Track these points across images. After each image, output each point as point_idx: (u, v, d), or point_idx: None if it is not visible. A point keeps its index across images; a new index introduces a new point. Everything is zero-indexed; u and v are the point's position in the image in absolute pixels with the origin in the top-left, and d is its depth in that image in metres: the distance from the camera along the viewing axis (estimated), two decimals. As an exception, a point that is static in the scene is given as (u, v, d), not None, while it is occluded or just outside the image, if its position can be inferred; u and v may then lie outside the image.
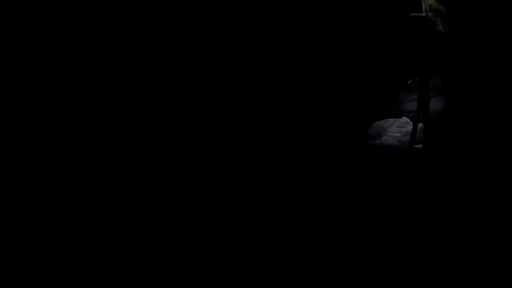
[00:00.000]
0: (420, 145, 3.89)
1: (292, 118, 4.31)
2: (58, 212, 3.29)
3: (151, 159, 3.88)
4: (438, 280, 2.81)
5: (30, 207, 3.32)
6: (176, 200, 3.41)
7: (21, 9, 3.94)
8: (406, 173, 3.67)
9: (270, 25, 4.40)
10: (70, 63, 4.06)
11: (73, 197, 3.42)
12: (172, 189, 3.55)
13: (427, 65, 3.86)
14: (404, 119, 4.14)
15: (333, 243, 3.10)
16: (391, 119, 4.16)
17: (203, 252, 3.01)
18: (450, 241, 3.04)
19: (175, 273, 2.88)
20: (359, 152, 4.01)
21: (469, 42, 3.64)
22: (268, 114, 4.29)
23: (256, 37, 4.38)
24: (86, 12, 4.09)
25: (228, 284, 2.82)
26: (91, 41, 4.10)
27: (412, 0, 3.86)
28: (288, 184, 3.62)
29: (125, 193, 3.46)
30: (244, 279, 2.83)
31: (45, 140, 3.84)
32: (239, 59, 4.37)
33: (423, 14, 3.80)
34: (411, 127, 3.95)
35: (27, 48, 3.96)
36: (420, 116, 3.90)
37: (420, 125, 3.90)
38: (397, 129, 4.08)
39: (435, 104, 3.91)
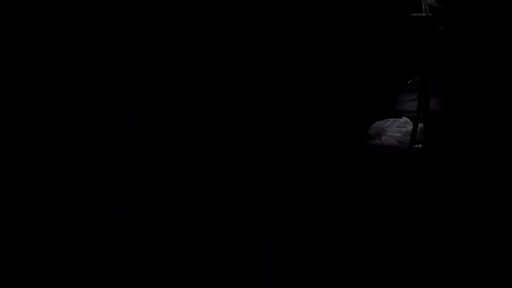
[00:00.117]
0: (420, 145, 3.90)
1: (292, 118, 4.30)
2: (58, 212, 3.29)
3: (151, 159, 3.88)
4: (438, 280, 2.81)
5: (30, 207, 3.32)
6: (176, 200, 3.40)
7: (21, 9, 3.94)
8: (406, 173, 3.67)
9: (270, 25, 4.39)
10: (70, 63, 4.06)
11: (73, 197, 3.41)
12: (172, 189, 3.55)
13: (427, 65, 3.87)
14: (404, 119, 4.14)
15: (333, 243, 3.10)
16: (391, 119, 4.16)
17: (203, 252, 3.01)
18: (450, 241, 3.04)
19: (175, 273, 2.88)
20: (359, 152, 4.01)
21: (469, 42, 3.64)
22: (268, 114, 4.29)
23: (256, 37, 4.38)
24: (86, 12, 4.08)
25: (228, 284, 2.82)
26: (91, 41, 4.10)
27: (412, 0, 3.86)
28: (288, 184, 3.62)
29: (125, 193, 3.46)
30: (244, 279, 2.83)
31: (45, 140, 3.84)
32: (239, 59, 4.37)
33: (423, 14, 3.81)
34: (411, 127, 3.96)
35: (28, 48, 3.96)
36: (420, 116, 3.90)
37: (420, 125, 3.90)
38: (397, 129, 4.08)
39: (435, 104, 3.91)
